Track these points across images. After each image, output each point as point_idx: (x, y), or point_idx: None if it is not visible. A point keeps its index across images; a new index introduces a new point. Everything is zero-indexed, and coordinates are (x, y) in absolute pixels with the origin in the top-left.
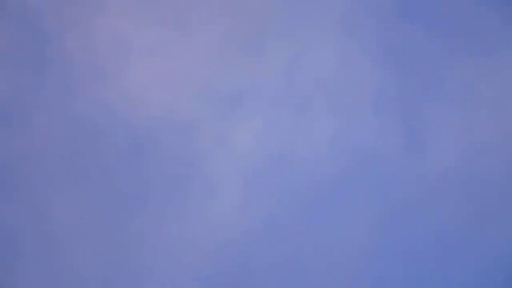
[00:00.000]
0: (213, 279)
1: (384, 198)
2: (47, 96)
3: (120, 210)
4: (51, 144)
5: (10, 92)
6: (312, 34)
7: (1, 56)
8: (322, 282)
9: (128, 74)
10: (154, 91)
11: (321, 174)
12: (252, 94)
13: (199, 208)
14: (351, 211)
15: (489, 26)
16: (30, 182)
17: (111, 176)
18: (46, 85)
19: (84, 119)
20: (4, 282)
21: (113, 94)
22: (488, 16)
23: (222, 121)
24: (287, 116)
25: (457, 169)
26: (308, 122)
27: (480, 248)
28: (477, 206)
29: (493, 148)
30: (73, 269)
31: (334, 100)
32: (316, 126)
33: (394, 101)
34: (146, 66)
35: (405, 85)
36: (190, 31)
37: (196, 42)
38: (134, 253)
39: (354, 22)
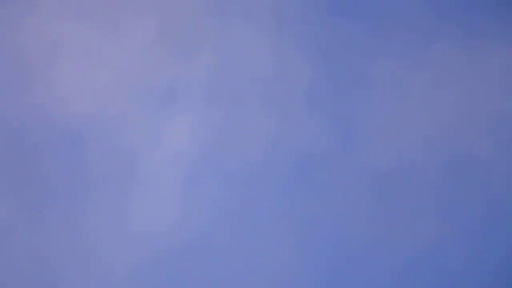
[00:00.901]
0: (146, 276)
1: (319, 196)
2: None
3: (49, 209)
4: None
5: None
6: (244, 30)
7: None
8: (260, 277)
9: (58, 73)
10: (84, 89)
11: (255, 172)
12: (184, 91)
13: (132, 207)
14: (284, 207)
15: (420, 22)
16: None
17: (39, 175)
18: None
19: (11, 117)
20: None
21: (42, 93)
22: (420, 12)
23: (154, 118)
24: (220, 113)
25: (390, 167)
26: (241, 119)
27: (406, 245)
28: (410, 204)
29: (426, 144)
30: (2, 265)
31: (267, 97)
32: (249, 124)
33: (327, 98)
34: (76, 65)
35: (338, 82)
36: (121, 28)
37: (127, 40)
38: (63, 257)
39: (286, 19)
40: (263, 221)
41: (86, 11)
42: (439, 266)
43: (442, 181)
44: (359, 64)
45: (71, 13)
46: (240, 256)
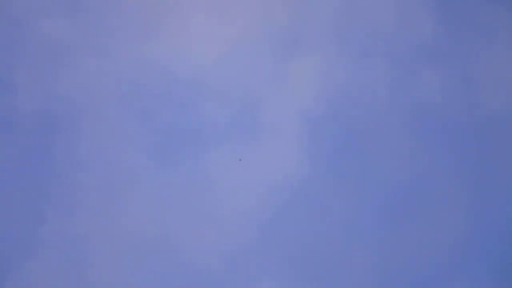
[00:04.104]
0: (271, 225)
1: (434, 145)
2: (117, 41)
3: (179, 152)
4: (110, 87)
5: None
6: None
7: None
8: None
9: (178, 24)
10: (205, 40)
11: (376, 122)
12: (308, 39)
13: (257, 149)
14: (400, 155)
15: None
16: (95, 121)
17: (171, 117)
18: (118, 31)
19: (147, 62)
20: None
21: (164, 45)
22: None
23: (278, 64)
24: (344, 63)
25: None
26: (364, 70)
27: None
28: None
29: None
30: (128, 209)
31: (392, 51)
32: (372, 76)
33: (449, 52)
34: (196, 16)
35: (458, 35)
36: None
37: None
38: (191, 197)
39: None
40: (381, 169)
41: None
42: None
43: None
44: (480, 17)
45: None
46: (360, 202)
